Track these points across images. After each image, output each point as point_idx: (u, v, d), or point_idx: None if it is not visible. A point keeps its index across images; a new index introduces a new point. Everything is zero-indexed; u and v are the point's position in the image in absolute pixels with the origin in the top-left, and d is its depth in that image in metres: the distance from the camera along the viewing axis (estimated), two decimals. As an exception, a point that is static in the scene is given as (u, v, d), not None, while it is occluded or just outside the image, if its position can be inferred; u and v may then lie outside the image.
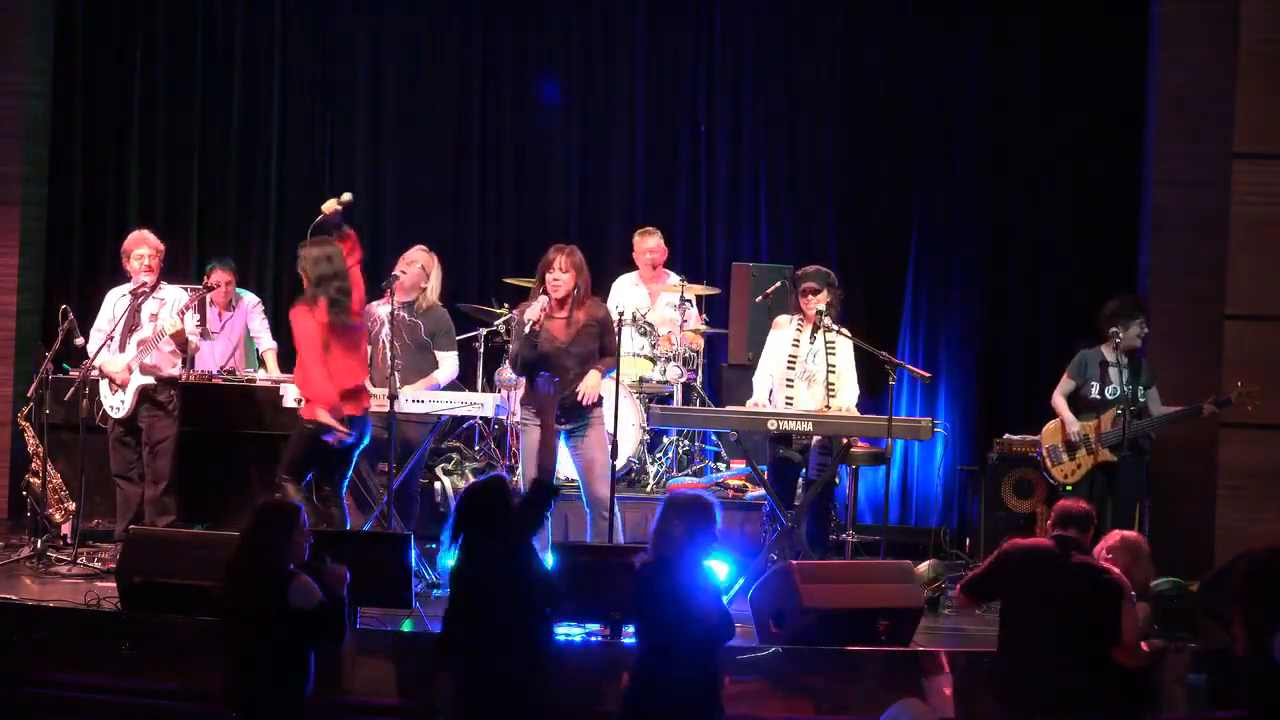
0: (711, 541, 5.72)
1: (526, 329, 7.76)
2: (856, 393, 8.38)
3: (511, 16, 11.20)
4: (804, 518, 8.32)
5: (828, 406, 8.24)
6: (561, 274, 7.76)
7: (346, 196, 7.92)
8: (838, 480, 8.87)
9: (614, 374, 7.97)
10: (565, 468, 8.02)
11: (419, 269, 8.57)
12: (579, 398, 7.77)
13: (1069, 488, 8.54)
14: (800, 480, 8.48)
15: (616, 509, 7.90)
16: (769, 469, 8.48)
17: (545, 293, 7.80)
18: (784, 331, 8.40)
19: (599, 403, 7.86)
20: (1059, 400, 8.59)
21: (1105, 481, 8.44)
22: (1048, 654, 5.95)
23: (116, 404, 8.52)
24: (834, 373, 8.26)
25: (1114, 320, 8.49)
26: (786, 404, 8.29)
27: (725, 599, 5.96)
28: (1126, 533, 6.66)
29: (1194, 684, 7.01)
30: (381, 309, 8.43)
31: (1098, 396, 8.50)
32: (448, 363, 8.67)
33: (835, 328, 8.27)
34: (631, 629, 5.81)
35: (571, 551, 7.44)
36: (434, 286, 8.68)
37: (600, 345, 7.87)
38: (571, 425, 7.81)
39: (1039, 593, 6.02)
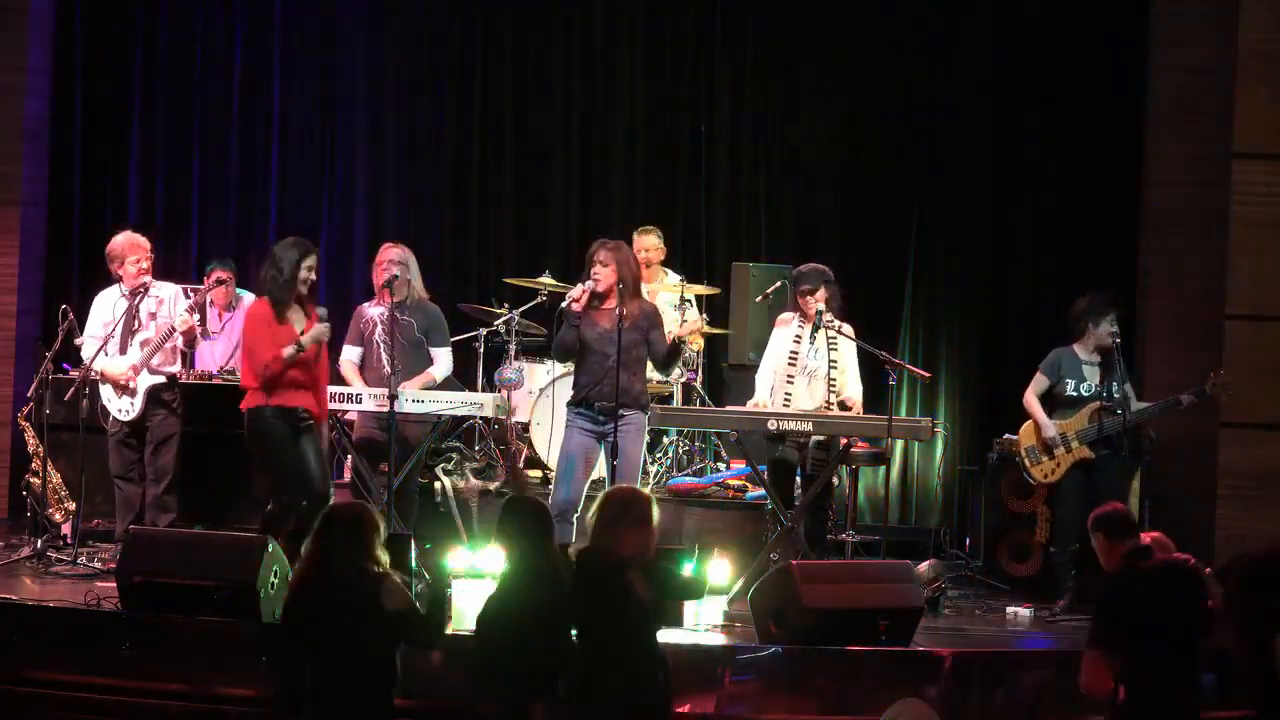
0: (649, 531, 5.66)
1: (565, 303, 7.76)
2: (861, 387, 8.37)
3: (512, 16, 11.19)
4: (803, 517, 8.32)
5: (828, 404, 8.24)
6: (602, 267, 7.77)
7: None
8: (838, 480, 8.86)
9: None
10: (599, 470, 8.02)
11: (401, 267, 8.53)
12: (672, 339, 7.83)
13: (1055, 487, 8.56)
14: (798, 478, 8.48)
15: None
16: (766, 467, 8.48)
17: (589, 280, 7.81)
18: (787, 329, 8.40)
19: (638, 403, 7.78)
20: (1031, 400, 8.56)
21: (1085, 479, 8.43)
22: (1178, 655, 5.87)
23: (125, 406, 8.51)
24: (836, 368, 8.26)
25: (1086, 317, 8.49)
26: (785, 401, 8.28)
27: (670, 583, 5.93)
28: (1154, 533, 6.53)
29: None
30: (374, 310, 8.42)
31: (1073, 394, 8.49)
32: (443, 359, 8.64)
33: (836, 325, 8.28)
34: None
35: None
36: (416, 279, 8.61)
37: (648, 340, 7.83)
38: (608, 427, 7.72)
39: (1164, 606, 5.90)
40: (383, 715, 5.61)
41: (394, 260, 8.49)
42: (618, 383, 7.63)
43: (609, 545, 5.60)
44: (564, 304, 7.84)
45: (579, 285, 7.84)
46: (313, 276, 7.85)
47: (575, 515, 7.70)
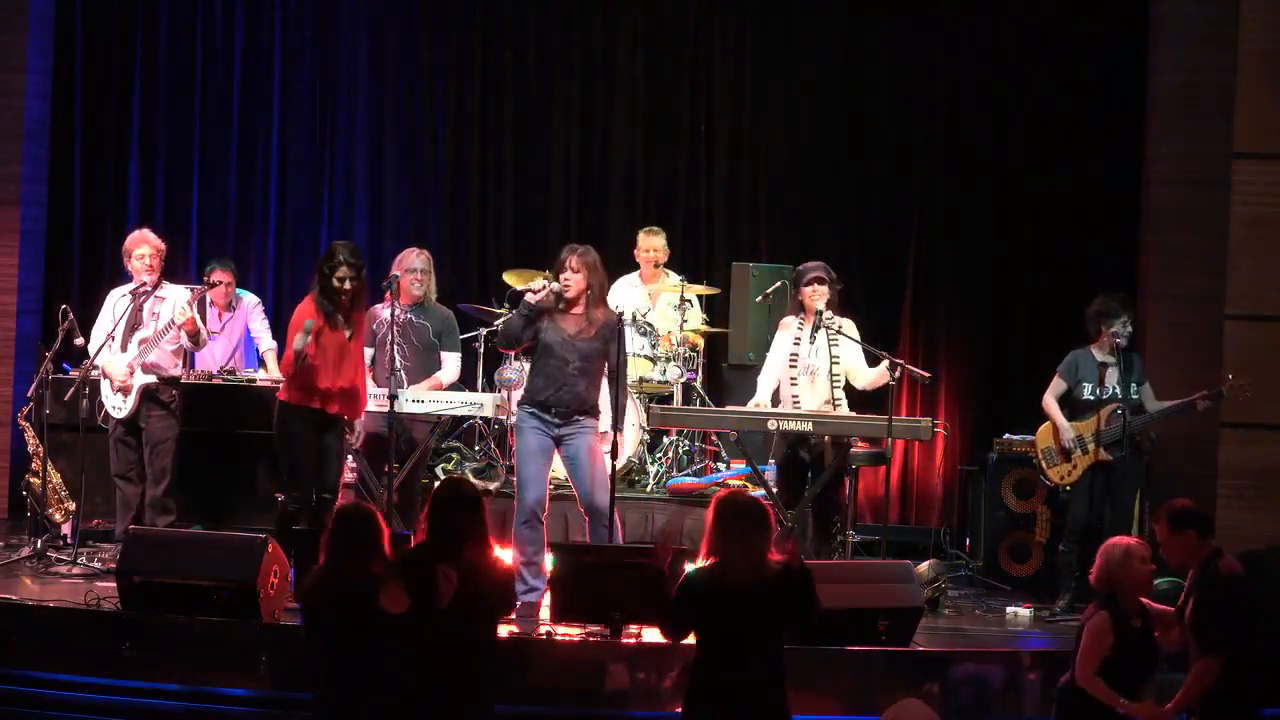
0: (768, 535, 5.47)
1: (528, 297, 7.68)
2: (872, 372, 8.35)
3: (511, 16, 11.19)
4: (806, 517, 8.32)
5: (832, 403, 8.23)
6: (573, 274, 7.73)
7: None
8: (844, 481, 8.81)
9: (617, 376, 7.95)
10: (558, 469, 7.97)
11: (426, 275, 8.65)
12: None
13: (1067, 488, 8.55)
14: (809, 480, 8.48)
15: (615, 510, 7.85)
16: (779, 468, 8.47)
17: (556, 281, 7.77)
18: (787, 332, 8.39)
19: (593, 411, 7.76)
20: (1050, 403, 8.57)
21: (1103, 481, 8.43)
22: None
23: (119, 404, 8.52)
24: (838, 364, 8.26)
25: (1100, 319, 8.49)
26: (794, 403, 8.28)
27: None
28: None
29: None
30: (386, 311, 8.45)
31: (1091, 397, 8.48)
32: (451, 363, 8.71)
33: (836, 323, 8.29)
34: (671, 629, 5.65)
35: (572, 552, 7.44)
36: (433, 287, 8.77)
37: (605, 351, 7.78)
38: (565, 430, 7.71)
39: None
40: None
41: (412, 269, 8.57)
42: (618, 390, 7.63)
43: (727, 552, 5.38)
44: (524, 295, 7.76)
45: (542, 282, 7.78)
46: (345, 285, 7.88)
47: (544, 514, 7.70)
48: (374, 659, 5.43)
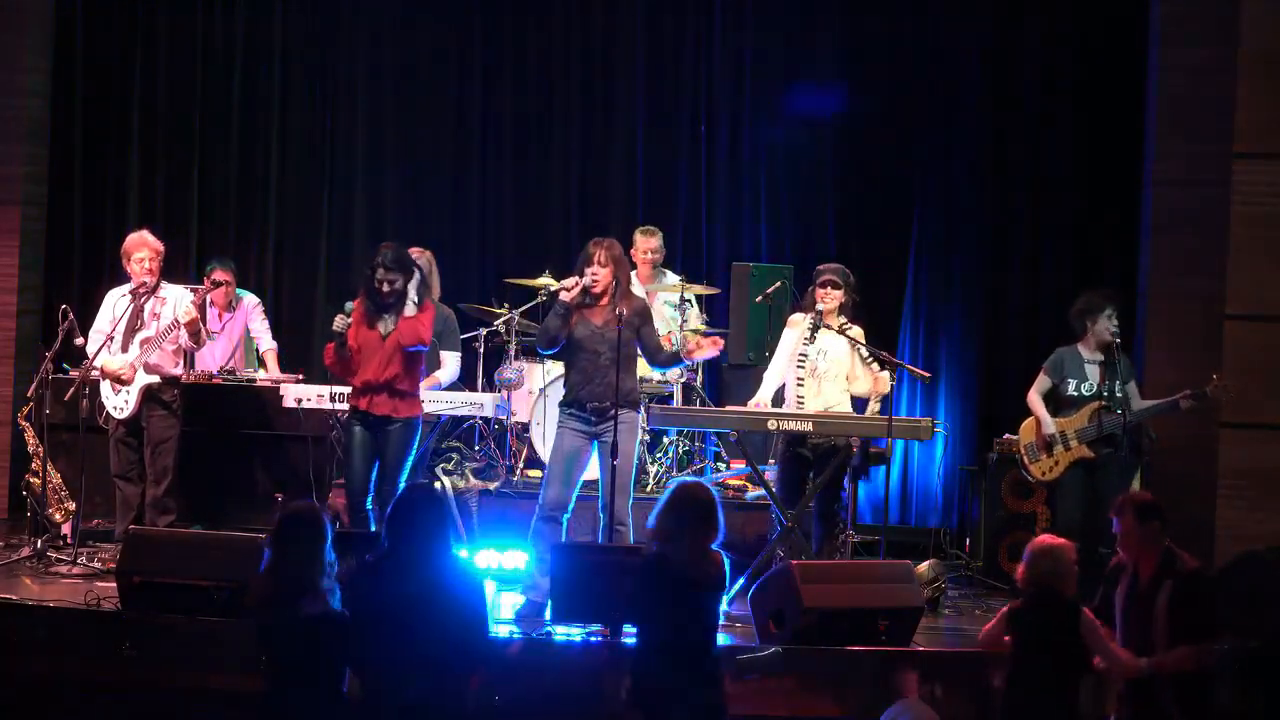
0: (714, 530, 5.65)
1: (562, 295, 7.66)
2: (867, 385, 8.37)
3: (512, 17, 11.20)
4: (807, 517, 8.32)
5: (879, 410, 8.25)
6: (600, 268, 7.68)
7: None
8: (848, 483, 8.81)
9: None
10: (590, 470, 7.94)
11: (424, 278, 8.65)
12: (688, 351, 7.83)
13: (1057, 485, 8.56)
14: (810, 479, 8.48)
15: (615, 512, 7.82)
16: (780, 466, 8.46)
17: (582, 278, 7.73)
18: (795, 330, 8.38)
19: (631, 404, 7.69)
20: (1034, 398, 8.60)
21: (1085, 477, 8.45)
22: None
23: (120, 404, 8.52)
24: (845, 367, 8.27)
25: (1084, 315, 8.52)
26: (799, 402, 8.26)
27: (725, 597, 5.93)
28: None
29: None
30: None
31: (1074, 393, 8.52)
32: (450, 362, 8.72)
33: (848, 325, 8.28)
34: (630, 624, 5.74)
35: (572, 551, 7.44)
36: (435, 286, 8.77)
37: (639, 336, 7.76)
38: (602, 427, 7.64)
39: None
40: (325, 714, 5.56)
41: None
42: (617, 383, 7.61)
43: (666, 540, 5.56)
44: (557, 293, 7.75)
45: (573, 278, 7.77)
46: (383, 289, 7.82)
47: (565, 517, 7.67)
48: (305, 656, 5.49)
